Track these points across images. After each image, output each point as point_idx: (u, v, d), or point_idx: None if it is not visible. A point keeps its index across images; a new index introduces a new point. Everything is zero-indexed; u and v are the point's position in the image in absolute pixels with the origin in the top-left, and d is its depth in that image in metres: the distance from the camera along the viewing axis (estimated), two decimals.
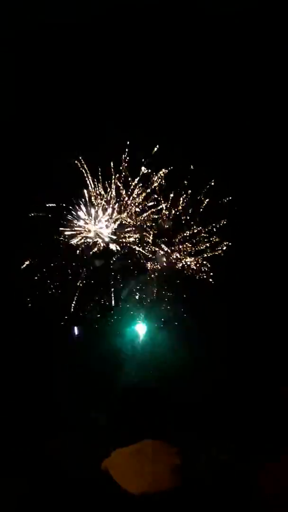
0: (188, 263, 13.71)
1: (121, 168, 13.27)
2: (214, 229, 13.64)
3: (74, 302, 13.56)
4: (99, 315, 14.09)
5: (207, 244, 13.71)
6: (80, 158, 12.89)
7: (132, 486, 1.55)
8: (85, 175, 13.32)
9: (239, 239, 13.46)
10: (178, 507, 1.55)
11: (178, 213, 13.88)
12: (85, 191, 13.47)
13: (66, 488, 3.21)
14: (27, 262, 12.88)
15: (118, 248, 13.80)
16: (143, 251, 13.84)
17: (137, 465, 1.58)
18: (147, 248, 14.00)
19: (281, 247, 11.76)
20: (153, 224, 13.96)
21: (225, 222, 13.45)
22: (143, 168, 13.16)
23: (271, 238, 12.20)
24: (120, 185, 13.55)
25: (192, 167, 12.74)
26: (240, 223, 13.09)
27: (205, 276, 13.78)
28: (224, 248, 13.61)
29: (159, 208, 14.05)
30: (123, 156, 13.12)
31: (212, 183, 12.89)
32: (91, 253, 13.68)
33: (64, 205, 13.49)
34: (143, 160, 13.13)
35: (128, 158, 13.17)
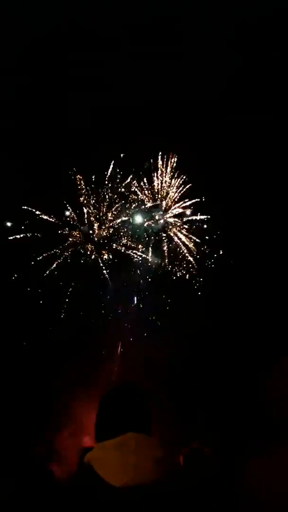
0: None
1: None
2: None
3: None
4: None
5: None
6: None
7: (114, 478, 1.56)
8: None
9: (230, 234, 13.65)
10: (160, 499, 1.56)
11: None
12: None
13: (51, 485, 3.21)
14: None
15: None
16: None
17: (119, 457, 1.60)
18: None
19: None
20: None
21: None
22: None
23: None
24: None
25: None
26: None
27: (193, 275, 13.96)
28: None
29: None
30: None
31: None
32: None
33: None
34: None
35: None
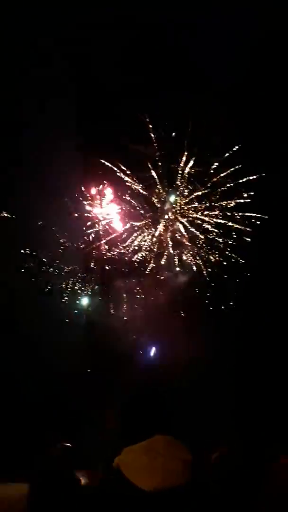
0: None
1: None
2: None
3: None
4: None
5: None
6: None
7: (144, 482, 1.56)
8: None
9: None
10: (189, 502, 1.55)
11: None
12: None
13: (78, 492, 3.21)
14: None
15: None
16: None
17: (148, 461, 1.59)
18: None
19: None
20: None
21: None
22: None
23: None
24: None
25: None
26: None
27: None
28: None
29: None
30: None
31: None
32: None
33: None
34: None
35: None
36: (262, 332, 12.44)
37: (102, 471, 4.11)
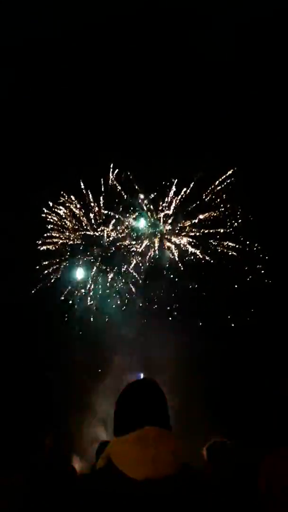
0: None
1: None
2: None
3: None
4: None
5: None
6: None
7: (134, 472, 1.57)
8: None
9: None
10: (180, 492, 1.56)
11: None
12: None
13: (71, 480, 3.23)
14: None
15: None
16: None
17: (139, 451, 1.61)
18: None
19: None
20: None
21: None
22: None
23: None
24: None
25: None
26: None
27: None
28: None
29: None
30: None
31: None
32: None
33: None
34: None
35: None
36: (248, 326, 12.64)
37: (95, 459, 4.15)
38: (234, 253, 13.97)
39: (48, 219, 14.76)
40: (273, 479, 1.69)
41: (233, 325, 13.42)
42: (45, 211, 14.64)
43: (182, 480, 1.59)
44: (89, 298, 14.66)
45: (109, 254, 14.72)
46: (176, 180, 14.02)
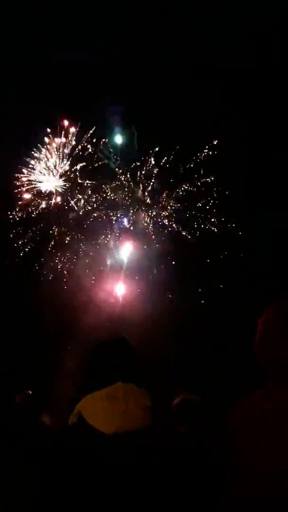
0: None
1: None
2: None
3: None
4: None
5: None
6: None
7: (104, 426, 1.61)
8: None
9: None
10: (148, 445, 1.61)
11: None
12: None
13: (42, 434, 3.30)
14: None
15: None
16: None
17: (108, 406, 1.64)
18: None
19: None
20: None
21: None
22: None
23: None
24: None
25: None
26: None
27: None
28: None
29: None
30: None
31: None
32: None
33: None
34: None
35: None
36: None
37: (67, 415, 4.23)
38: (212, 227, 14.05)
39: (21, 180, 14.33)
40: (243, 425, 1.74)
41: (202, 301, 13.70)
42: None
43: (151, 434, 1.63)
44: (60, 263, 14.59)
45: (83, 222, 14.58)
46: (157, 149, 13.81)
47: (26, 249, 14.38)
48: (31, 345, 12.21)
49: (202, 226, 14.09)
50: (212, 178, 13.71)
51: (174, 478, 1.57)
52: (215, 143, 13.36)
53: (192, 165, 13.82)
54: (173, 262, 14.32)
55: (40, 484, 1.63)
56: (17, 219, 14.35)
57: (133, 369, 1.82)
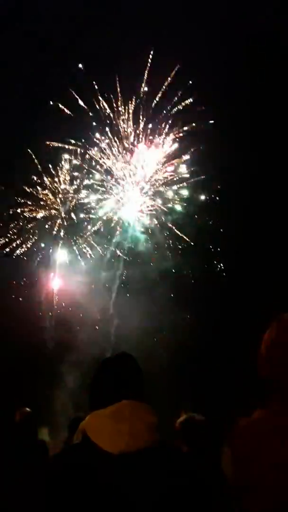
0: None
1: None
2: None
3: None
4: None
5: None
6: None
7: (110, 445, 1.57)
8: None
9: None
10: (155, 464, 1.57)
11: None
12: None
13: (44, 454, 3.26)
14: None
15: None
16: None
17: (114, 424, 1.60)
18: None
19: None
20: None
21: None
22: None
23: None
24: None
25: None
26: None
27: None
28: None
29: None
30: None
31: None
32: None
33: None
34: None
35: None
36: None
37: (67, 432, 4.19)
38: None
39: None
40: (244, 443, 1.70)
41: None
42: None
43: (158, 454, 1.60)
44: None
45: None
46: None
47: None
48: (30, 362, 12.12)
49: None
50: None
51: (181, 500, 1.53)
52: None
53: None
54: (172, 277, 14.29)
55: (42, 504, 1.59)
56: None
57: (138, 386, 1.79)
